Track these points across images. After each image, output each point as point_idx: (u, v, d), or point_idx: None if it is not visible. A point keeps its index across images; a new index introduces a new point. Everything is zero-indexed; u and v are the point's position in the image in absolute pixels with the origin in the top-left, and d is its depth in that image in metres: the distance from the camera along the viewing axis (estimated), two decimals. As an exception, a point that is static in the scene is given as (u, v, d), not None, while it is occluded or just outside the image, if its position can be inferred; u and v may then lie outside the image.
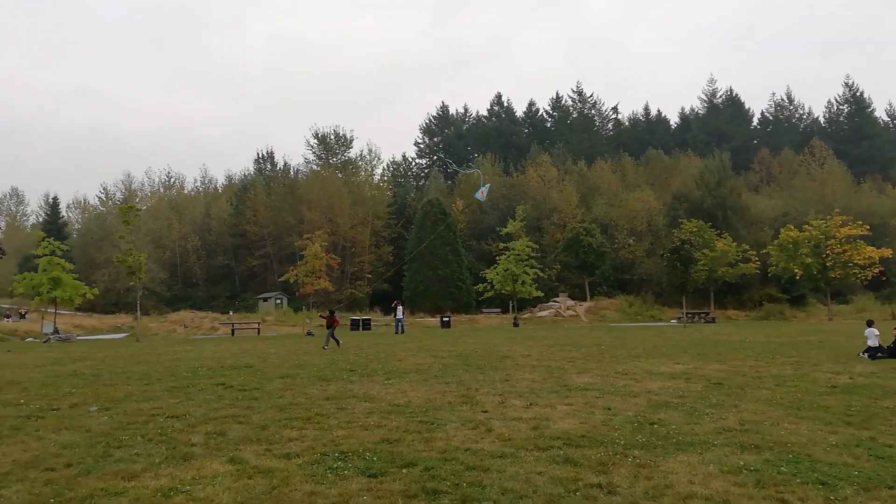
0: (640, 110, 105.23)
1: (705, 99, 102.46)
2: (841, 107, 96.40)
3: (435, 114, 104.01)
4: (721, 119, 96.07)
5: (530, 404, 9.20)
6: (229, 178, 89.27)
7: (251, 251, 67.26)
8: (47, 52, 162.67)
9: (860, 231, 43.40)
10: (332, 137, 78.68)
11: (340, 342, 22.37)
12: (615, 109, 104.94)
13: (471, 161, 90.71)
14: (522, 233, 46.57)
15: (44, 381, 13.14)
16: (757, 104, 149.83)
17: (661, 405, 9.02)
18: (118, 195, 78.09)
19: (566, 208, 64.41)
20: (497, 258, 46.01)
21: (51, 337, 33.60)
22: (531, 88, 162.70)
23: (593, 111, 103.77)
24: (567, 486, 5.20)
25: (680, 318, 40.75)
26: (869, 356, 15.42)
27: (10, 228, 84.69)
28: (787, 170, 79.22)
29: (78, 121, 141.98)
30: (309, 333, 34.60)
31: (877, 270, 43.51)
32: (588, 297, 55.65)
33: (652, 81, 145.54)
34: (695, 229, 47.03)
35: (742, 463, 5.89)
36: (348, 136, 79.38)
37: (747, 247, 47.84)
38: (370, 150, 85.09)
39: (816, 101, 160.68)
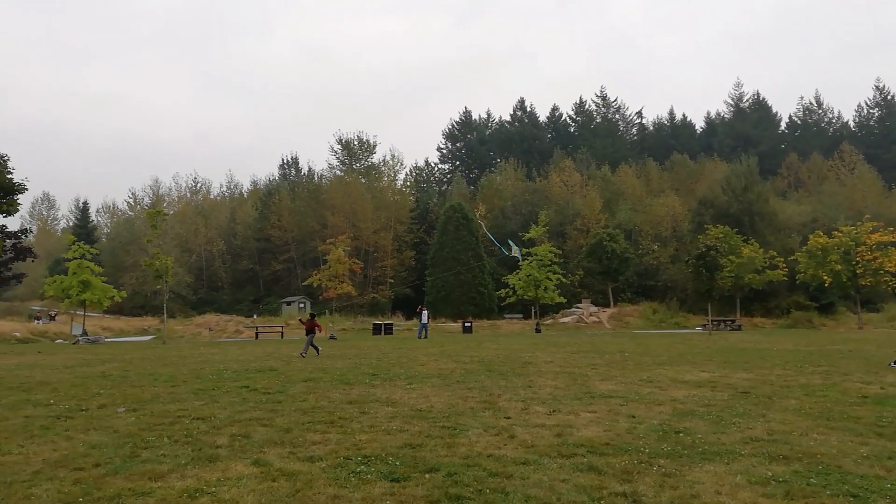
0: (665, 115, 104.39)
1: (732, 103, 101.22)
2: (871, 111, 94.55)
3: (458, 119, 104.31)
4: (748, 123, 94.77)
5: (553, 411, 9.14)
6: (255, 183, 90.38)
7: (275, 255, 67.92)
8: (80, 62, 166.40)
9: (892, 237, 42.48)
10: (356, 143, 79.25)
11: (320, 350, 20.55)
12: (639, 114, 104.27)
13: (493, 165, 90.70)
14: (545, 238, 46.37)
15: (73, 381, 13.40)
16: (785, 108, 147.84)
17: (687, 414, 8.90)
18: (146, 200, 79.50)
19: (589, 213, 64.02)
20: (519, 263, 45.87)
21: (80, 339, 34.25)
22: (554, 93, 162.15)
23: (617, 116, 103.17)
24: (591, 495, 5.16)
25: (705, 325, 40.21)
26: (901, 366, 15.05)
27: (41, 232, 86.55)
28: (815, 175, 77.81)
29: (108, 128, 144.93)
30: (332, 337, 34.84)
31: (909, 278, 42.56)
32: (611, 303, 55.19)
33: (677, 85, 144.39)
34: (721, 235, 46.42)
35: (770, 474, 5.78)
36: (371, 141, 79.93)
37: (775, 253, 47.08)
38: (393, 156, 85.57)
39: (846, 104, 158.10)
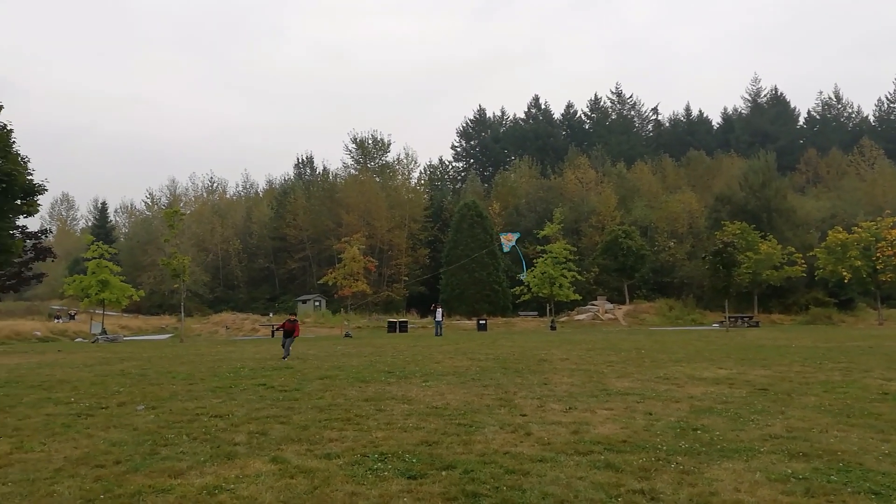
0: (681, 111, 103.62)
1: (749, 98, 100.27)
2: (892, 105, 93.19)
3: (472, 117, 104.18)
4: (765, 119, 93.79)
5: (569, 408, 9.12)
6: (270, 182, 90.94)
7: (291, 254, 68.29)
8: (97, 64, 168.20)
9: (913, 233, 41.85)
10: (370, 142, 79.43)
11: (288, 356, 18.31)
12: (655, 110, 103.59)
13: (507, 163, 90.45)
14: (560, 235, 46.20)
15: (93, 380, 13.57)
16: (803, 103, 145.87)
17: (705, 411, 8.83)
18: (163, 200, 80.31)
19: (605, 210, 63.71)
20: (534, 261, 45.74)
21: (99, 337, 34.68)
22: (569, 90, 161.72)
23: (632, 112, 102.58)
24: (609, 492, 5.14)
25: (722, 322, 39.88)
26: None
27: (60, 232, 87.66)
28: (834, 170, 76.86)
29: (126, 129, 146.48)
30: (347, 335, 34.97)
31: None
32: (627, 300, 54.89)
33: (693, 81, 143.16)
34: (738, 231, 45.96)
35: (790, 471, 5.73)
36: (386, 140, 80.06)
37: (793, 249, 46.55)
38: (407, 154, 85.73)
39: (866, 99, 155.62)
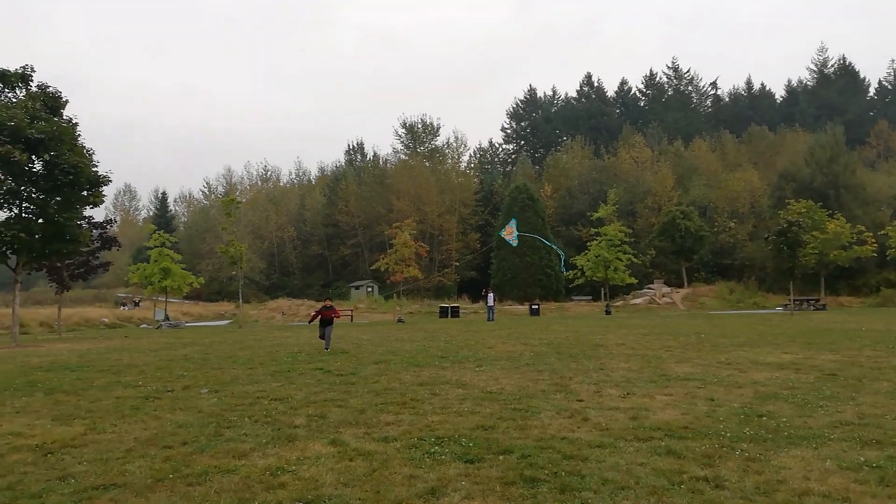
0: (742, 84, 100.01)
1: (815, 69, 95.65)
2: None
3: (522, 97, 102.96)
4: (832, 90, 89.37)
5: (627, 394, 8.95)
6: (322, 169, 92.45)
7: (343, 241, 69.33)
8: (152, 57, 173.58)
9: None
10: (420, 126, 79.62)
11: (329, 345, 16.45)
12: (714, 85, 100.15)
13: (559, 144, 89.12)
14: (614, 217, 45.35)
15: (158, 364, 14.10)
16: (873, 73, 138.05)
17: (770, 397, 8.52)
18: (220, 189, 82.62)
19: (661, 191, 62.20)
20: (588, 244, 45.08)
21: (162, 323, 36.06)
22: (623, 67, 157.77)
23: (690, 88, 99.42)
24: (671, 479, 5.01)
25: (786, 305, 38.49)
26: None
27: (124, 222, 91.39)
28: (907, 143, 72.85)
29: (183, 119, 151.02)
30: (400, 321, 35.32)
31: None
32: (685, 283, 53.61)
33: (754, 53, 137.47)
34: (803, 210, 44.17)
35: (862, 459, 5.46)
36: (435, 124, 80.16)
37: (863, 228, 44.45)
38: (457, 138, 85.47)
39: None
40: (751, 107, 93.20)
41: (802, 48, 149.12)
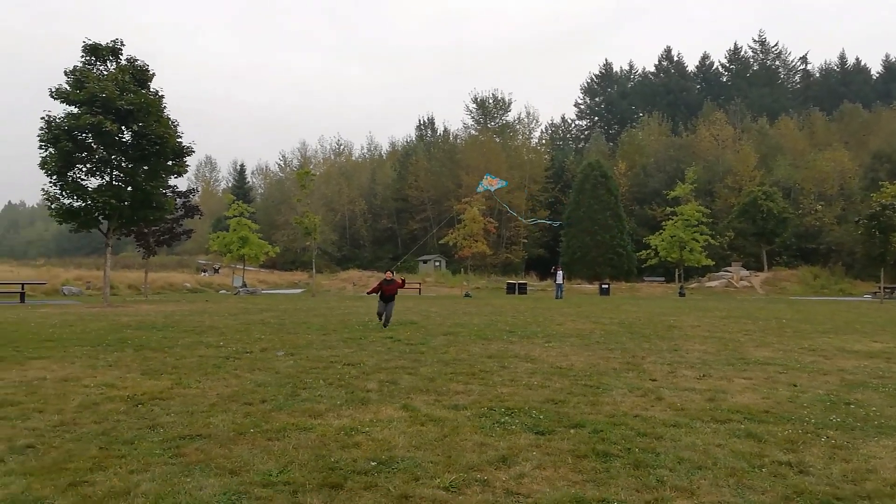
0: (835, 59, 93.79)
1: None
2: None
3: (597, 72, 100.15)
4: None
5: (703, 375, 8.68)
6: (392, 144, 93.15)
7: (413, 215, 69.93)
8: (236, 34, 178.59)
9: None
10: (491, 101, 78.87)
11: (387, 323, 14.98)
12: (804, 59, 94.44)
13: (635, 120, 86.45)
14: (692, 197, 43.74)
15: (237, 327, 14.71)
16: None
17: (858, 385, 8.08)
18: (295, 162, 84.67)
19: (742, 170, 59.53)
20: (662, 223, 43.74)
21: (240, 290, 37.55)
22: (705, 41, 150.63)
23: (777, 62, 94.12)
24: (751, 462, 4.83)
25: (876, 292, 36.33)
26: None
27: (205, 193, 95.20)
28: None
29: (259, 95, 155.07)
30: (467, 295, 35.47)
31: None
32: (765, 267, 51.34)
33: (850, 26, 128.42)
34: (898, 193, 41.23)
35: (962, 453, 5.11)
36: (506, 99, 79.24)
37: (965, 213, 41.11)
38: (528, 113, 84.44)
39: None
40: (843, 83, 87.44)
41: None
